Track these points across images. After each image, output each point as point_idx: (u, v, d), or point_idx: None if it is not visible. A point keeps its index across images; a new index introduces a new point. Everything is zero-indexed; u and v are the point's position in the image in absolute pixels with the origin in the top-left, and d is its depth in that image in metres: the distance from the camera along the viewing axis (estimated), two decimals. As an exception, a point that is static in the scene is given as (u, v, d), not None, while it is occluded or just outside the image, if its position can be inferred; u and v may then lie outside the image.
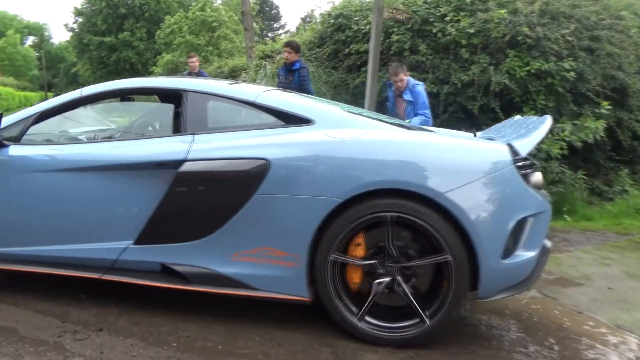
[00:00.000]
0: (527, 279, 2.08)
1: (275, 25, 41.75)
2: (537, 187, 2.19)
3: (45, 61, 52.05)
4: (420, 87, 4.56)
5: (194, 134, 2.39)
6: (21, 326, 2.28)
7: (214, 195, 2.23)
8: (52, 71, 66.01)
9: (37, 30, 62.24)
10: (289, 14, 74.53)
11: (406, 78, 4.57)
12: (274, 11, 42.15)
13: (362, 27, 7.08)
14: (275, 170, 2.17)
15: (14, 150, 2.51)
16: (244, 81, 9.09)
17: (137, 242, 2.33)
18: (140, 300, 2.57)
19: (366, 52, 6.76)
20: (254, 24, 18.23)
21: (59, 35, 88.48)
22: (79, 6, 32.15)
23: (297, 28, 37.38)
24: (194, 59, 7.37)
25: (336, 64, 7.40)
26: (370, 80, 5.92)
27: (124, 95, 2.93)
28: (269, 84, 7.60)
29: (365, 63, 6.78)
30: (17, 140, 2.56)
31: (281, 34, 39.83)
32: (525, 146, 2.17)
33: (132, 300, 2.57)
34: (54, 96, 4.11)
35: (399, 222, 2.10)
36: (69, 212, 2.42)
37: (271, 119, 2.38)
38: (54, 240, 2.44)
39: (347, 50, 7.22)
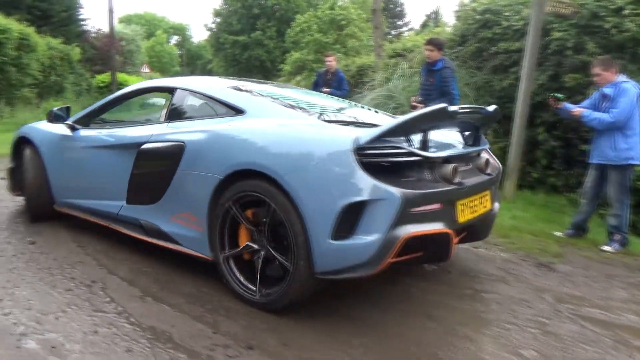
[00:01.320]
0: (371, 262, 2.20)
1: (399, 22, 41.04)
2: (445, 178, 2.43)
3: (185, 58, 57.09)
4: (628, 85, 3.87)
5: (168, 122, 3.08)
6: (175, 331, 2.32)
7: (157, 169, 2.95)
8: (190, 67, 72.22)
9: (180, 30, 68.52)
10: (413, 11, 72.86)
11: (607, 74, 3.93)
12: (398, 9, 41.44)
13: (514, 24, 6.40)
14: (188, 151, 2.77)
15: (82, 132, 3.66)
16: (371, 80, 9.00)
17: (127, 202, 3.18)
18: (288, 319, 2.51)
19: (517, 51, 6.11)
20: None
21: (199, 35, 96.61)
22: (218, 7, 34.61)
23: (423, 25, 36.44)
24: (331, 58, 7.28)
25: (480, 63, 6.82)
26: (525, 82, 5.31)
27: (147, 92, 3.70)
28: (406, 84, 7.26)
29: (515, 63, 6.14)
30: (86, 125, 3.71)
31: (405, 31, 39.15)
32: (368, 136, 2.28)
33: (279, 318, 2.51)
34: None
35: (261, 201, 2.45)
36: (98, 177, 3.40)
37: (223, 109, 2.91)
38: (93, 196, 3.47)
39: (493, 49, 6.60)
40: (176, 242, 2.88)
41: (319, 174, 2.27)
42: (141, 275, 2.97)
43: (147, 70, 27.55)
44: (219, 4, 35.17)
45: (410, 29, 38.41)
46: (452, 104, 4.31)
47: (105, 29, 27.24)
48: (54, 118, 3.97)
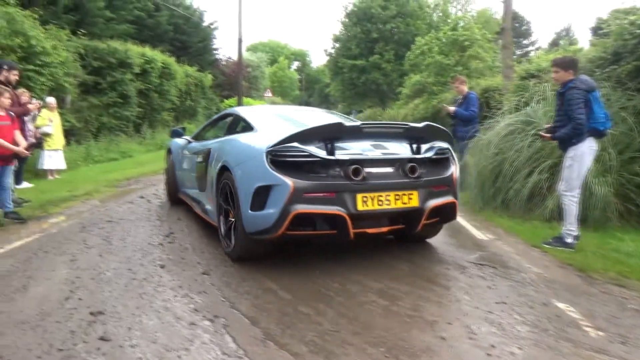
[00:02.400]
0: (273, 228, 3.37)
1: (524, 42, 38.61)
2: (346, 175, 3.45)
3: (305, 82, 59.56)
4: None
5: (221, 137, 4.72)
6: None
7: (203, 167, 4.65)
8: (309, 91, 75.19)
9: (301, 56, 71.82)
10: (540, 30, 68.31)
11: None
12: (524, 27, 39.04)
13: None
14: (212, 154, 4.40)
15: (191, 144, 5.53)
16: (498, 103, 8.31)
17: (199, 190, 4.89)
18: None
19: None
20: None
21: (318, 60, 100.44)
22: (337, 33, 35.57)
23: (553, 44, 33.76)
24: (458, 83, 6.87)
25: (639, 84, 5.87)
26: None
27: (224, 118, 5.31)
28: (547, 108, 6.52)
29: (690, 83, 5.14)
30: (195, 139, 5.67)
31: (531, 50, 36.61)
32: (273, 141, 3.49)
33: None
34: None
35: (232, 185, 3.77)
36: (190, 173, 5.24)
37: (248, 127, 4.37)
38: (189, 186, 5.39)
39: (659, 67, 5.63)
40: (208, 216, 4.50)
41: (247, 167, 3.59)
42: (263, 313, 2.85)
43: (269, 94, 29.05)
44: (339, 29, 36.06)
45: (537, 48, 35.87)
46: (576, 131, 4.27)
47: (234, 56, 29.33)
48: (173, 134, 6.15)
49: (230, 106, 24.51)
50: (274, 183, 3.38)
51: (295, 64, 71.06)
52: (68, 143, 10.37)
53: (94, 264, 3.74)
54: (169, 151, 6.39)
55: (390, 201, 3.54)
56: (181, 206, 6.09)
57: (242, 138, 4.07)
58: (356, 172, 3.46)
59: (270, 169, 3.40)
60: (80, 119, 11.86)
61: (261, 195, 3.43)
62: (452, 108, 7.20)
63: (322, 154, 3.46)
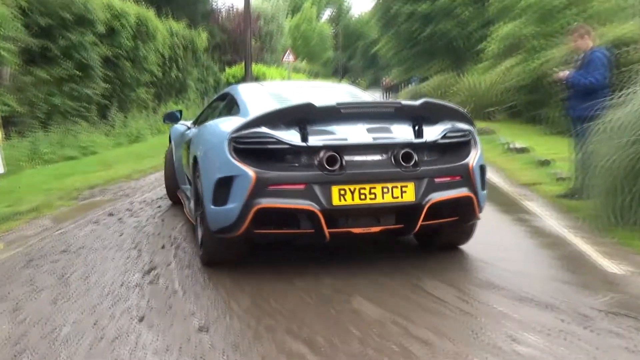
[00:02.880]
0: (234, 226, 4.21)
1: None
2: (320, 164, 4.16)
3: (341, 40, 59.67)
4: None
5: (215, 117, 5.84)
6: None
7: (184, 157, 6.27)
8: (348, 51, 75.27)
9: (335, 1, 72.03)
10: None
11: None
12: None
13: None
14: (191, 142, 5.65)
15: (193, 129, 6.22)
16: (635, 63, 8.23)
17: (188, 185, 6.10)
18: None
19: None
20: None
21: (360, 5, 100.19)
22: (388, -35, 35.43)
23: None
24: (577, 35, 6.73)
25: None
26: None
27: (222, 99, 6.30)
28: None
29: None
30: (195, 124, 6.45)
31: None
32: (235, 126, 4.37)
33: None
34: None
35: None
36: (183, 164, 6.46)
37: (237, 109, 5.36)
38: (184, 181, 6.47)
39: None
40: (191, 216, 5.48)
41: (209, 156, 4.39)
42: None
43: (290, 58, 29.18)
44: (391, -40, 35.91)
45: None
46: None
47: (239, 4, 29.61)
48: (167, 119, 7.16)
49: (235, 78, 24.88)
50: (235, 174, 4.17)
51: (327, 13, 71.27)
52: (7, 136, 10.68)
53: (45, 315, 3.82)
54: (170, 140, 7.66)
55: (376, 195, 4.17)
56: (171, 222, 6.25)
57: (212, 123, 5.13)
58: (331, 161, 4.14)
59: (231, 158, 4.21)
60: (22, 100, 12.16)
61: (223, 188, 4.24)
62: (564, 73, 7.06)
63: (294, 139, 4.20)
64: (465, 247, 5.25)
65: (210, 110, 6.48)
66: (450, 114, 4.69)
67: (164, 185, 7.85)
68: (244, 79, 23.52)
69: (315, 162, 4.18)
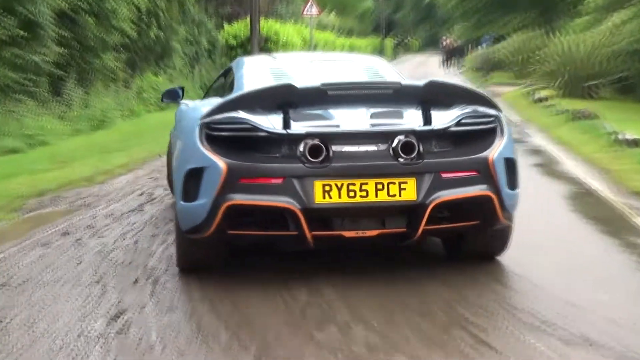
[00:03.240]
0: (204, 225, 4.86)
1: None
2: (302, 155, 4.73)
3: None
4: None
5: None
6: None
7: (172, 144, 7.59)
8: (393, 1, 74.65)
9: None
10: None
11: None
12: None
13: None
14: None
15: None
16: None
17: None
18: None
19: None
20: None
21: None
22: None
23: None
24: None
25: None
26: None
27: (226, 74, 7.32)
28: None
29: None
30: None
31: None
32: (207, 110, 5.05)
33: None
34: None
35: None
36: None
37: (235, 87, 6.23)
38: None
39: None
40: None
41: (181, 144, 5.07)
42: None
43: (313, 10, 29.14)
44: None
45: None
46: None
47: None
48: (165, 97, 7.77)
49: (237, 39, 25.04)
50: (204, 165, 4.79)
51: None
52: None
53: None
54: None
55: (368, 192, 4.73)
56: (148, 246, 6.36)
57: (190, 106, 6.35)
58: (315, 151, 4.68)
59: (201, 147, 4.86)
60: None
61: (193, 182, 4.88)
62: None
63: (274, 125, 4.84)
64: (549, 283, 5.26)
65: (213, 90, 7.45)
66: (464, 96, 5.26)
67: (138, 192, 7.99)
68: (249, 40, 23.61)
69: (297, 153, 4.73)
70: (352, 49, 50.16)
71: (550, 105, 18.62)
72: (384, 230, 4.94)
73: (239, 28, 26.48)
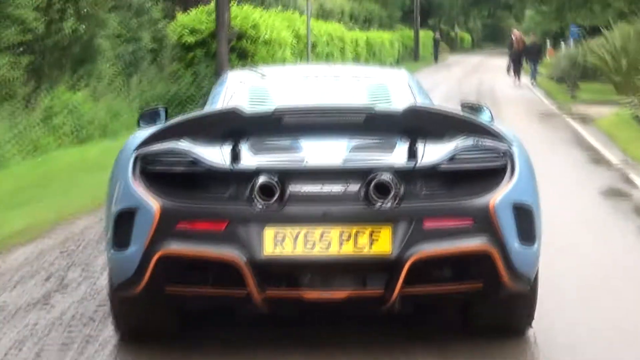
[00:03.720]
0: (134, 279, 5.53)
1: None
2: (255, 196, 5.35)
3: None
4: None
5: None
6: None
7: None
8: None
9: None
10: None
11: None
12: None
13: None
14: None
15: None
16: None
17: None
18: None
19: None
20: None
21: None
22: None
23: None
24: None
25: None
26: None
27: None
28: None
29: None
30: None
31: None
32: (140, 139, 5.87)
33: None
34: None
35: None
36: None
37: None
38: None
39: None
40: None
41: (112, 180, 5.82)
42: None
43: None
44: None
45: None
46: None
47: None
48: (144, 120, 7.92)
49: (195, 35, 25.40)
50: (135, 205, 5.53)
51: None
52: None
53: None
54: None
55: (331, 242, 5.33)
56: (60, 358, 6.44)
57: (134, 134, 6.81)
58: (266, 190, 5.28)
59: (131, 183, 5.61)
60: None
61: (124, 226, 5.61)
62: None
63: (219, 159, 5.53)
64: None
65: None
66: (458, 126, 5.89)
67: (43, 275, 8.02)
68: (215, 36, 23.95)
69: (246, 192, 5.37)
70: (369, 47, 50.38)
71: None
72: (355, 292, 5.48)
73: (199, 18, 26.59)
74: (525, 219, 5.50)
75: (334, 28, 42.89)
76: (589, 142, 20.89)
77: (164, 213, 5.29)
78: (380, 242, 5.22)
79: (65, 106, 20.05)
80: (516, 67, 47.30)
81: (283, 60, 29.47)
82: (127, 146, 6.06)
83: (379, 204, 5.22)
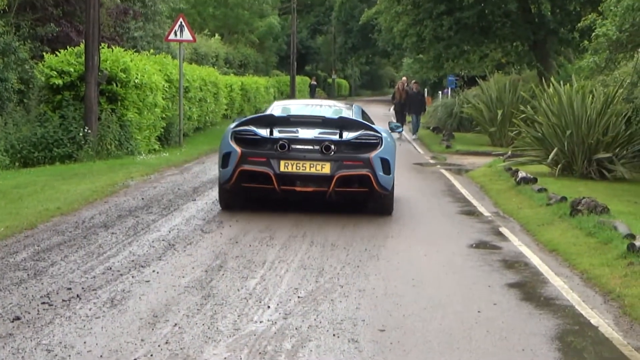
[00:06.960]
0: (227, 182, 19.37)
1: None
2: (277, 148, 18.55)
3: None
4: None
5: None
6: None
7: None
8: (309, 17, 76.26)
9: None
10: None
11: None
12: None
13: None
14: None
15: None
16: None
17: None
18: None
19: None
20: None
21: None
22: None
23: None
24: None
25: None
26: None
27: None
28: None
29: None
30: None
31: None
32: (234, 124, 21.20)
33: None
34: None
35: None
36: None
37: None
38: None
39: None
40: None
41: (223, 140, 20.29)
42: None
43: (186, 36, 29.77)
44: None
45: None
46: None
47: None
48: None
49: (65, 78, 25.22)
50: (231, 150, 17.54)
51: None
52: None
53: None
54: None
55: (306, 167, 17.07)
56: None
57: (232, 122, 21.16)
58: (282, 146, 17.01)
59: (230, 141, 17.76)
60: None
61: (225, 158, 17.67)
62: None
63: (264, 133, 17.52)
64: None
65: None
66: (361, 126, 18.01)
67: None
68: (84, 78, 23.77)
69: (274, 147, 16.92)
70: (244, 92, 50.88)
71: (540, 190, 19.46)
72: (316, 189, 16.90)
73: (68, 60, 26.37)
74: (385, 164, 16.69)
75: (208, 72, 43.07)
76: (461, 193, 22.13)
77: (242, 154, 16.55)
78: (326, 169, 16.38)
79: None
80: (399, 118, 45.12)
81: (154, 105, 29.63)
82: (229, 127, 17.80)
83: (327, 154, 16.28)
